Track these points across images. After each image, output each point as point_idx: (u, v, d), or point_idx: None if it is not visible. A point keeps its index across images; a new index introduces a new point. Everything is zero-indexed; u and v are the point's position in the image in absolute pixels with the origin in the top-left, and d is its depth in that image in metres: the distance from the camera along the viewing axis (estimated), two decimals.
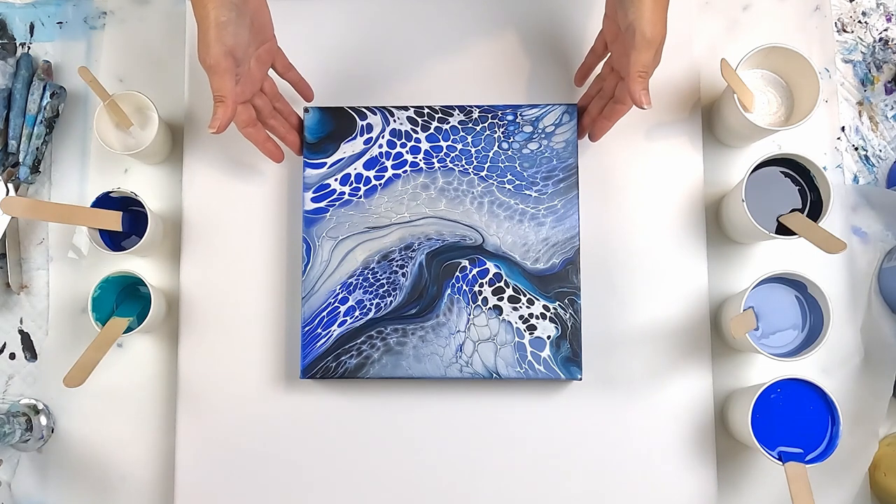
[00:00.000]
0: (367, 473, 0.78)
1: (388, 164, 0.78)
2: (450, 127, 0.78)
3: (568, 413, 0.77)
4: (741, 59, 0.76)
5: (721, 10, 0.84)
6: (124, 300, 0.79)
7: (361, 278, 0.76)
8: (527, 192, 0.77)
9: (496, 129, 0.78)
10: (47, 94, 0.83)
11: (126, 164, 0.84)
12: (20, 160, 0.83)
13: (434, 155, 0.78)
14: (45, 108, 0.82)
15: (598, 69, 0.76)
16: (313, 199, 0.77)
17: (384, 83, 0.82)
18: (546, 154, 0.77)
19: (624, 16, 0.65)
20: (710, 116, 0.82)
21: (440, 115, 0.78)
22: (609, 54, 0.73)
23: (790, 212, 0.74)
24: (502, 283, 0.75)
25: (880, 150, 0.83)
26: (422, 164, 0.77)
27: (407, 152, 0.78)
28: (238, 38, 0.66)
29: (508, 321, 0.75)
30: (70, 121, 0.85)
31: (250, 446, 0.78)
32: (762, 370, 0.79)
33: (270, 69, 0.74)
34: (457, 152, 0.78)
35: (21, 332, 0.83)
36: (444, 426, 0.78)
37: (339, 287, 0.76)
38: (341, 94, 0.82)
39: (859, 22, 0.85)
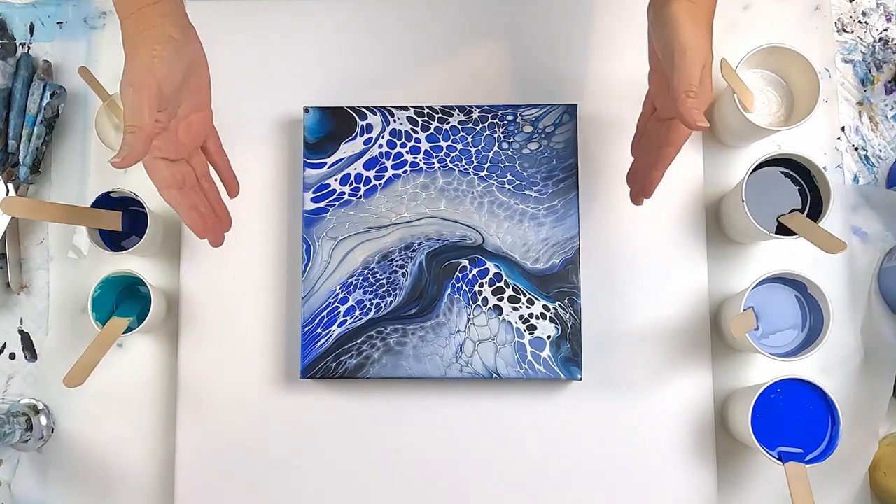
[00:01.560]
0: (366, 473, 0.78)
1: (388, 164, 0.78)
2: (450, 127, 0.78)
3: (568, 413, 0.77)
4: (741, 59, 0.76)
5: (721, 10, 0.82)
6: (124, 300, 0.79)
7: (361, 278, 0.76)
8: (527, 192, 0.77)
9: (496, 129, 0.78)
10: (47, 94, 0.83)
11: None
12: (20, 160, 0.83)
13: (434, 155, 0.78)
14: (45, 108, 0.82)
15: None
16: (313, 199, 0.77)
17: (384, 83, 0.82)
18: (546, 154, 0.77)
19: (661, 41, 0.61)
20: (710, 116, 0.82)
21: (440, 115, 0.78)
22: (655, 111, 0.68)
23: (790, 212, 0.74)
24: (502, 283, 0.75)
25: (880, 150, 0.83)
26: (422, 164, 0.77)
27: (407, 152, 0.78)
28: (170, 74, 0.60)
29: (508, 321, 0.75)
30: (70, 121, 0.85)
31: (250, 446, 0.78)
32: (762, 370, 0.79)
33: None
34: (457, 152, 0.78)
35: (21, 332, 0.83)
36: (444, 426, 0.78)
37: (339, 287, 0.76)
38: (341, 94, 0.82)
39: (859, 22, 0.85)
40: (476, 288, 0.76)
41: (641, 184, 0.69)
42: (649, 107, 0.69)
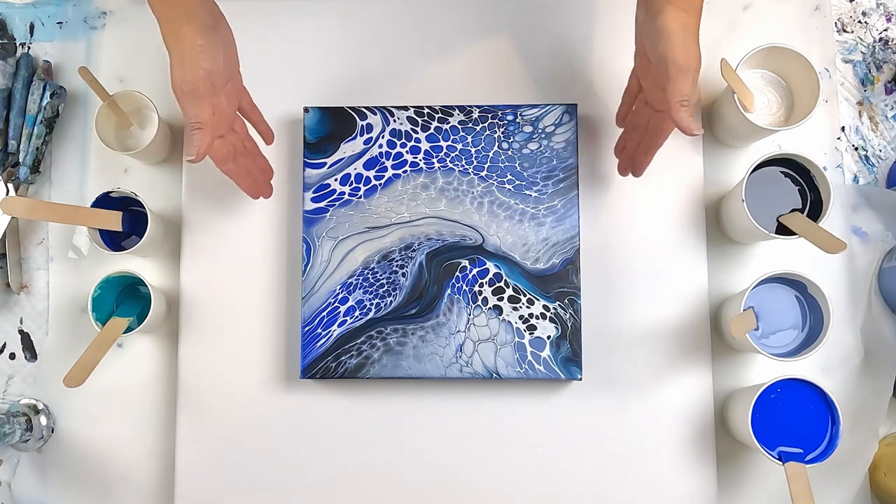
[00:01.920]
0: (367, 473, 0.78)
1: (388, 164, 0.78)
2: (450, 127, 0.78)
3: (568, 413, 0.77)
4: (741, 59, 0.76)
5: (721, 10, 0.84)
6: (124, 300, 0.79)
7: (361, 278, 0.76)
8: (527, 192, 0.77)
9: (496, 129, 0.78)
10: (47, 94, 0.83)
11: (126, 164, 0.84)
12: (20, 160, 0.83)
13: (434, 155, 0.78)
14: (45, 108, 0.82)
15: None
16: (313, 199, 0.77)
17: (384, 83, 0.82)
18: (546, 154, 0.77)
19: (653, 48, 0.64)
20: (710, 116, 0.82)
21: (440, 115, 0.78)
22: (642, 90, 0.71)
23: (790, 212, 0.74)
24: (502, 283, 0.75)
25: (880, 150, 0.83)
26: (422, 164, 0.77)
27: (407, 152, 0.78)
28: (214, 63, 0.65)
29: (508, 321, 0.75)
30: (70, 121, 0.85)
31: (250, 446, 0.78)
32: (762, 370, 0.79)
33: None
34: (457, 152, 0.78)
35: (21, 332, 0.83)
36: (444, 426, 0.78)
37: (339, 287, 0.76)
38: (341, 94, 0.82)
39: (859, 22, 0.85)
40: (476, 288, 0.76)
41: (631, 164, 0.74)
42: (635, 84, 0.72)
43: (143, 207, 0.76)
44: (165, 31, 0.64)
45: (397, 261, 0.76)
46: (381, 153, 0.78)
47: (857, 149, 0.83)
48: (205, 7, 0.64)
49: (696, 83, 0.64)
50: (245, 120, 0.74)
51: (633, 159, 0.73)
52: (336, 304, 0.76)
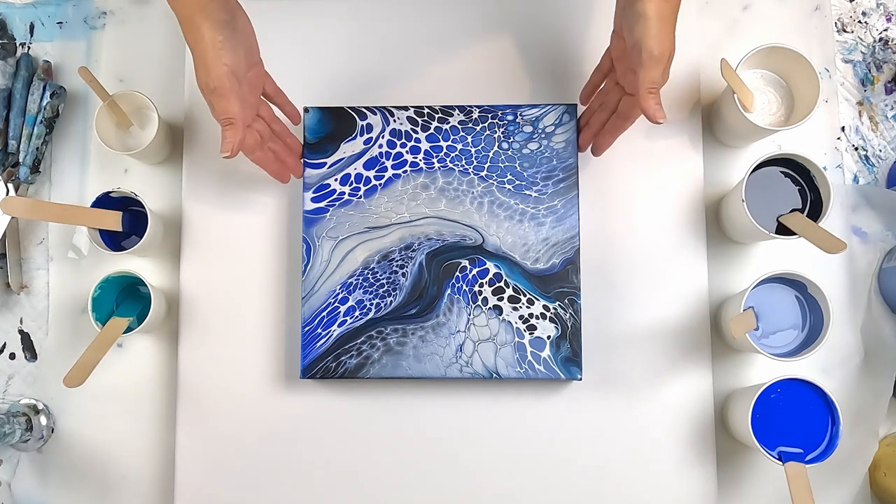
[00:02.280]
0: (366, 473, 0.78)
1: (388, 164, 0.78)
2: (450, 127, 0.78)
3: (568, 413, 0.77)
4: (741, 59, 0.76)
5: (721, 10, 0.84)
6: (124, 300, 0.79)
7: (361, 278, 0.76)
8: (527, 192, 0.77)
9: (496, 129, 0.78)
10: (47, 94, 0.83)
11: (126, 164, 0.84)
12: (20, 160, 0.83)
13: (434, 155, 0.78)
14: (45, 108, 0.82)
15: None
16: (313, 199, 0.77)
17: (384, 83, 0.82)
18: (546, 154, 0.77)
19: (630, 33, 0.65)
20: (710, 116, 0.82)
21: (440, 115, 0.78)
22: (613, 70, 0.72)
23: (790, 212, 0.74)
24: (502, 283, 0.75)
25: (880, 150, 0.83)
26: (422, 164, 0.77)
27: (407, 152, 0.78)
28: (236, 57, 0.65)
29: (508, 321, 0.75)
30: (70, 121, 0.85)
31: (250, 446, 0.78)
32: (762, 370, 0.79)
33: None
34: (457, 152, 0.78)
35: (21, 332, 0.83)
36: (444, 426, 0.78)
37: (339, 287, 0.76)
38: (341, 94, 0.82)
39: (859, 22, 0.85)
40: (476, 288, 0.76)
41: (594, 143, 0.75)
42: (607, 63, 0.73)
43: (143, 207, 0.76)
44: (185, 29, 0.64)
45: (397, 261, 0.76)
46: (381, 153, 0.78)
47: (857, 149, 0.83)
48: (218, 1, 0.65)
49: (667, 72, 0.65)
50: (271, 104, 0.75)
51: (596, 139, 0.75)
52: (336, 304, 0.76)
